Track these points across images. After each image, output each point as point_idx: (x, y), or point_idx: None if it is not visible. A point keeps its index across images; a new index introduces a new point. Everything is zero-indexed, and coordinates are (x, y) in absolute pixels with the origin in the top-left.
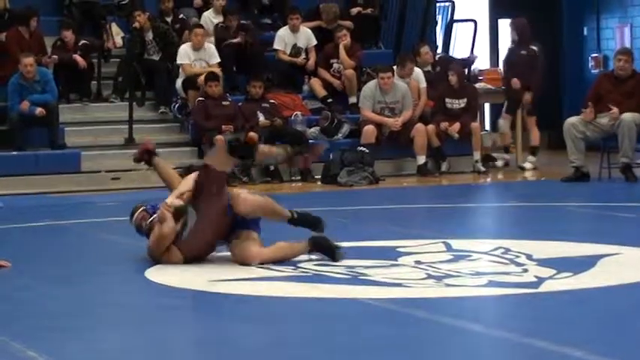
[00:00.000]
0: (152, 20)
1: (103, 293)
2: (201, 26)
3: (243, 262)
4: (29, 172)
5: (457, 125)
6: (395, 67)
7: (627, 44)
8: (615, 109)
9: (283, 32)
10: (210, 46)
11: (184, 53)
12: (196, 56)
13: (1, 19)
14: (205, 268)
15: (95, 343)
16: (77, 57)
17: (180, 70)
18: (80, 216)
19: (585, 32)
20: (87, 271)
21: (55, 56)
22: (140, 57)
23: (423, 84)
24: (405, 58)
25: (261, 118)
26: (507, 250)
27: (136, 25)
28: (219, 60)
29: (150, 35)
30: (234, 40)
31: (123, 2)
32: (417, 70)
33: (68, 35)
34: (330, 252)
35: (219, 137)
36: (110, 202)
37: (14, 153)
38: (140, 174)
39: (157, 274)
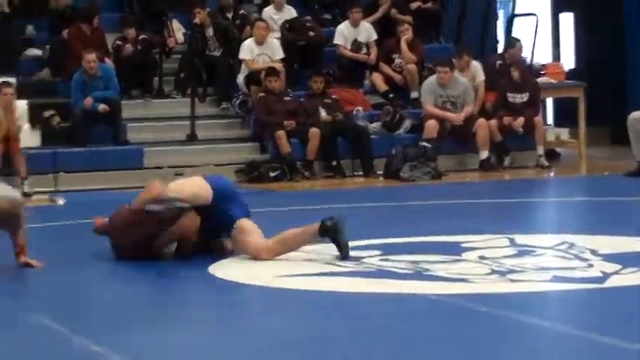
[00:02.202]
0: (212, 16)
1: (167, 289)
2: (263, 20)
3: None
4: (92, 168)
5: (521, 120)
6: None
7: None
8: None
9: (343, 27)
10: (273, 41)
11: (247, 48)
12: (260, 51)
13: (63, 16)
14: (270, 263)
15: (160, 339)
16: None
17: (243, 65)
18: None
19: None
20: (150, 267)
21: (128, 45)
22: (201, 53)
23: (481, 77)
24: (462, 50)
25: (323, 113)
26: (572, 245)
27: (197, 21)
28: (282, 55)
29: (210, 31)
30: (302, 43)
31: None
32: (475, 64)
33: (130, 32)
34: (339, 246)
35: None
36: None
37: (77, 149)
38: (203, 170)
39: (221, 270)
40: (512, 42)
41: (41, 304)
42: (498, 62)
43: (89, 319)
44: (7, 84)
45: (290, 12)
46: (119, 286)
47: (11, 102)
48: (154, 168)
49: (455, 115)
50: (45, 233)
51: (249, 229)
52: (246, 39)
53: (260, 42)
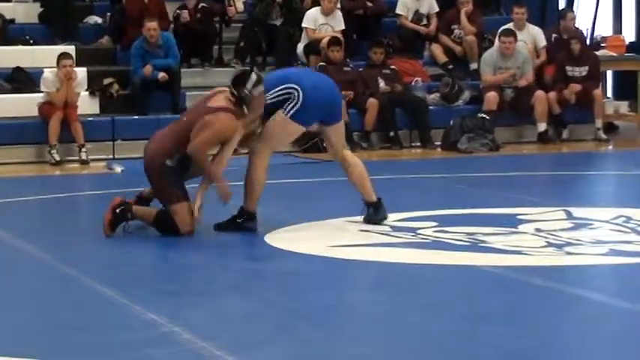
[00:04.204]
0: None
1: (224, 258)
2: None
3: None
4: (150, 136)
5: (576, 86)
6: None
7: None
8: None
9: None
10: (337, 12)
11: (312, 17)
12: (324, 21)
13: None
14: (325, 233)
15: (216, 307)
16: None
17: (304, 34)
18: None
19: None
20: (206, 236)
21: (186, 12)
22: (262, 22)
23: (542, 43)
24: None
25: (382, 84)
26: (629, 219)
27: None
28: (343, 27)
29: None
30: (360, 12)
31: None
32: (538, 30)
33: (191, 1)
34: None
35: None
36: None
37: (136, 117)
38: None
39: (277, 239)
40: (563, 13)
41: (97, 271)
42: (554, 35)
43: (145, 287)
44: (66, 55)
45: None
46: (175, 254)
47: (70, 73)
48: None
49: (511, 74)
50: (102, 200)
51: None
52: (307, 9)
53: (327, 13)
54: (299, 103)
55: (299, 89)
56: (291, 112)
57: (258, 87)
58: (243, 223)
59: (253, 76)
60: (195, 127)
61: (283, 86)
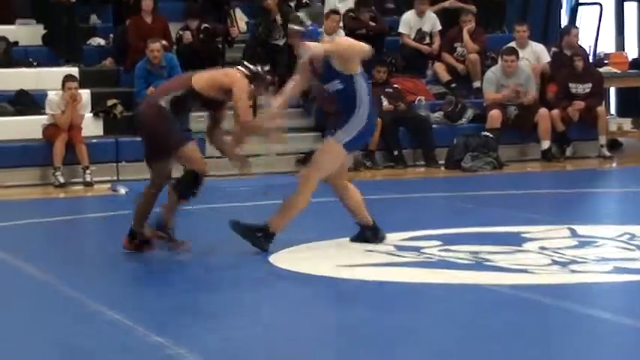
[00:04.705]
0: (279, 4)
1: (229, 279)
2: (337, 12)
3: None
4: None
5: (580, 104)
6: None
7: None
8: None
9: (409, 16)
10: (341, 32)
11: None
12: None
13: (127, 5)
14: (330, 253)
15: (221, 329)
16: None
17: None
18: (207, 201)
19: None
20: (210, 256)
21: (188, 33)
22: (265, 41)
23: (545, 60)
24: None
25: (385, 103)
26: (633, 236)
27: (266, 4)
28: None
29: (278, 18)
30: (363, 32)
31: None
32: (541, 47)
33: (193, 22)
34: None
35: None
36: (235, 188)
37: (140, 138)
38: (267, 159)
39: (282, 260)
40: (567, 28)
41: (102, 293)
42: (553, 49)
43: (149, 309)
44: (71, 77)
45: (352, 1)
46: (180, 275)
47: (75, 95)
48: (215, 157)
49: (513, 89)
50: (107, 222)
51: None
52: None
53: (330, 33)
54: (357, 129)
55: (364, 112)
56: (345, 139)
57: (268, 74)
58: (261, 239)
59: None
60: (197, 77)
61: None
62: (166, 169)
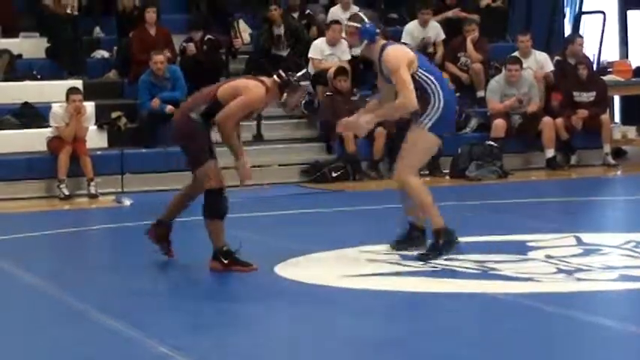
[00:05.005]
0: (284, 16)
1: (234, 289)
2: (338, 22)
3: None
4: (159, 169)
5: (584, 112)
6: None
7: None
8: None
9: (412, 26)
10: (343, 42)
11: (317, 48)
12: (330, 51)
13: (130, 17)
14: (335, 263)
15: (227, 339)
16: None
17: (310, 64)
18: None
19: None
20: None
21: (192, 44)
22: (268, 52)
23: (549, 68)
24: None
25: None
26: (638, 244)
27: (271, 15)
28: (350, 57)
29: (281, 30)
30: None
31: None
32: (544, 55)
33: (197, 34)
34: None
35: None
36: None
37: (144, 150)
38: (270, 170)
39: (287, 270)
40: (571, 37)
41: (107, 304)
42: (556, 58)
43: (155, 320)
44: (76, 90)
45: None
46: (184, 285)
47: (79, 108)
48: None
49: (517, 99)
50: (112, 234)
51: None
52: (313, 39)
53: (333, 43)
54: (438, 112)
55: (440, 95)
56: (429, 123)
57: (305, 81)
58: (445, 243)
59: (305, 70)
60: (222, 87)
61: (429, 75)
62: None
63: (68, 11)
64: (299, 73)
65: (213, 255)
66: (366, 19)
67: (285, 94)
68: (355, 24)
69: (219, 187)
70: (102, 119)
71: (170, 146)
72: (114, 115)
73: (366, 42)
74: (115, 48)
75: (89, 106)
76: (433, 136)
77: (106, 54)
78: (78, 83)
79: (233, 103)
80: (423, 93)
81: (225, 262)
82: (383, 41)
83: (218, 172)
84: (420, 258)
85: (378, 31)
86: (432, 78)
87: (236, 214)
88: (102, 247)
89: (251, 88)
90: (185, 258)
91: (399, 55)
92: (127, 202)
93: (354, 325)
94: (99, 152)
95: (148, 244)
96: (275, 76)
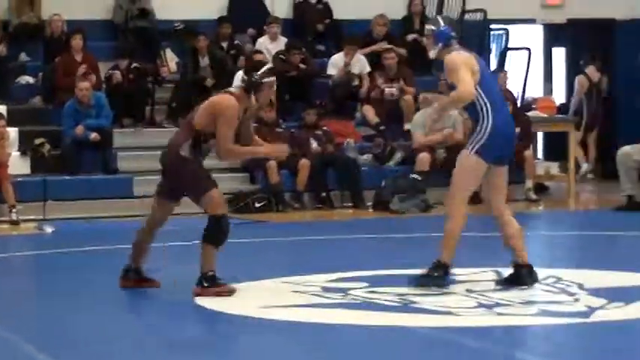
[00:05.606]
0: (209, 46)
1: (152, 321)
2: (260, 52)
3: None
4: (82, 196)
5: None
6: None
7: None
8: None
9: (338, 58)
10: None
11: (240, 79)
12: None
13: (57, 43)
14: (257, 293)
15: None
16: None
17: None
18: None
19: None
20: (136, 297)
21: (118, 73)
22: (194, 82)
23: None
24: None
25: (314, 145)
26: (558, 280)
27: (197, 44)
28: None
29: (206, 60)
30: (294, 74)
31: (177, 27)
32: None
33: (123, 62)
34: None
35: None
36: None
37: (67, 177)
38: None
39: (208, 300)
40: (496, 72)
41: (27, 334)
42: None
43: (78, 351)
44: None
45: (283, 43)
46: (108, 316)
47: (3, 133)
48: (143, 197)
49: (442, 133)
50: (33, 262)
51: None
52: (240, 69)
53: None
54: (482, 139)
55: (488, 122)
56: (473, 149)
57: (269, 77)
58: (438, 276)
59: (267, 66)
60: (196, 116)
61: (484, 97)
62: (172, 210)
63: None
64: (261, 70)
65: (197, 281)
66: (442, 23)
67: (253, 96)
68: (431, 27)
69: (225, 213)
70: (25, 145)
71: (92, 174)
72: (37, 141)
73: (440, 45)
74: (41, 74)
75: (12, 132)
76: (479, 161)
77: (31, 80)
78: (2, 109)
79: (218, 134)
80: (471, 114)
81: (206, 285)
82: (457, 46)
83: (223, 199)
84: (414, 281)
85: (453, 34)
86: (487, 101)
87: (161, 244)
88: (23, 275)
89: (223, 105)
90: (99, 287)
91: (456, 57)
92: (49, 229)
93: (265, 356)
94: (21, 178)
95: (66, 273)
96: (241, 83)
